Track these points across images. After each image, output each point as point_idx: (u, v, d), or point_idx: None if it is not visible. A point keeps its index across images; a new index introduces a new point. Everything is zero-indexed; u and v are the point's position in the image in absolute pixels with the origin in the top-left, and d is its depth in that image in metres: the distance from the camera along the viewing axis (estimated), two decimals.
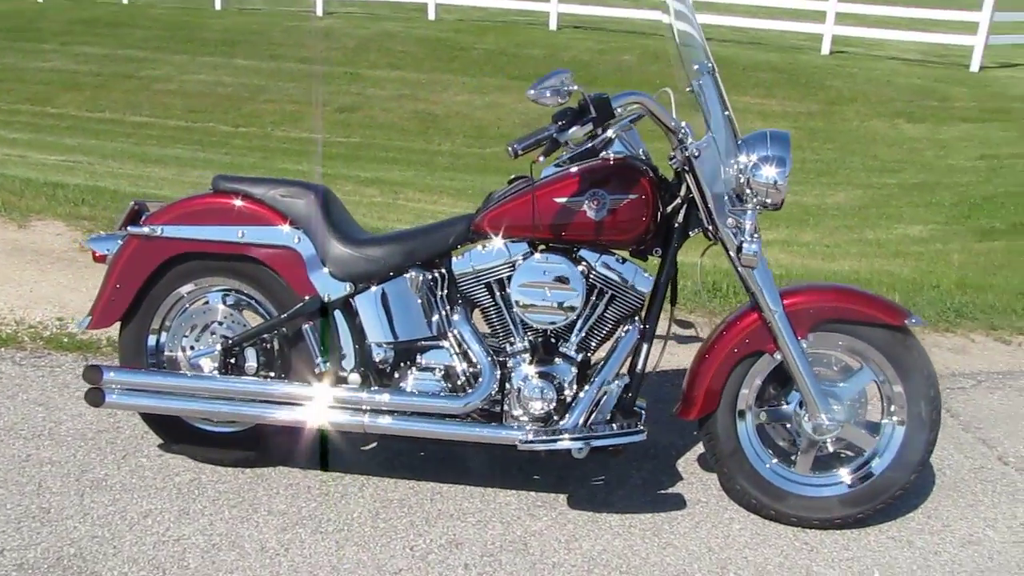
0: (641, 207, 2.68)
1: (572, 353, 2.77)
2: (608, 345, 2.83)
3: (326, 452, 3.06)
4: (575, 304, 2.68)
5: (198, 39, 14.13)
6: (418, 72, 12.86)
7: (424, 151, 10.27)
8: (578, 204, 2.66)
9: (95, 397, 2.82)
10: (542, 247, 2.76)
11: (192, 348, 2.93)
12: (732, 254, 2.70)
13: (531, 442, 2.63)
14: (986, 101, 12.60)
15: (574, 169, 2.70)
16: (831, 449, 2.89)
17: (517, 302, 2.69)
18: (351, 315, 2.83)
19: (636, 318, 2.78)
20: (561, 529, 2.80)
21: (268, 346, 2.90)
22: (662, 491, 3.05)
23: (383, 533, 2.72)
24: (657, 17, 15.60)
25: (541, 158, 2.75)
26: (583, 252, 2.73)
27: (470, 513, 2.85)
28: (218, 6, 16.19)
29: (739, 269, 2.73)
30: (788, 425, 2.90)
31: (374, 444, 3.21)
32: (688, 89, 2.70)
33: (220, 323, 2.91)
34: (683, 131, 2.69)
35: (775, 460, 2.88)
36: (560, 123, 2.56)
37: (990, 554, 2.80)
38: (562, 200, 2.67)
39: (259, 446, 2.98)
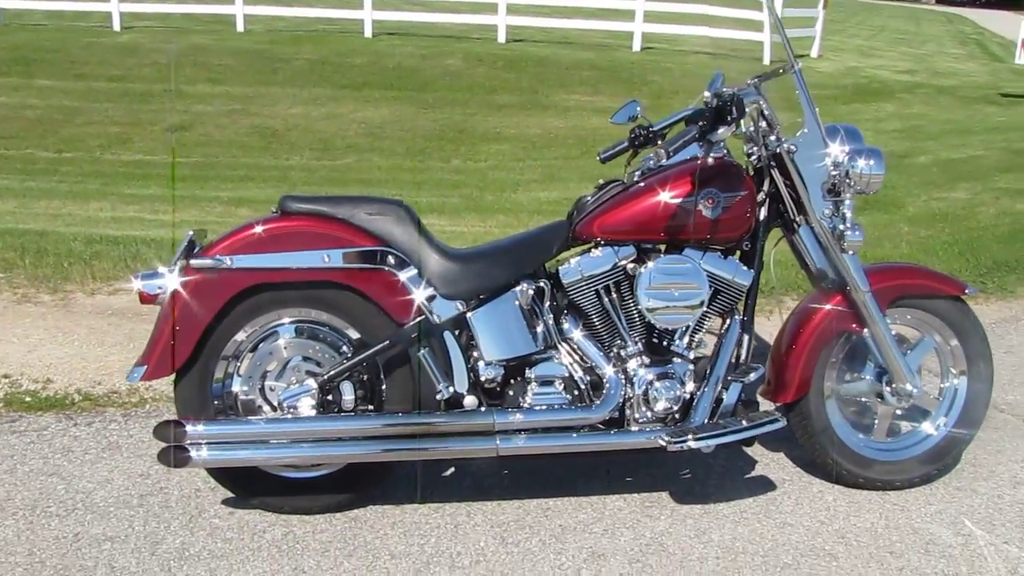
0: (748, 204, 2.74)
1: (685, 351, 2.79)
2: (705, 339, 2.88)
3: (415, 483, 2.91)
4: (703, 302, 2.71)
5: None
6: (243, 86, 12.27)
7: (275, 167, 9.82)
8: (692, 204, 2.69)
9: (179, 457, 2.51)
10: (646, 248, 2.77)
11: (273, 389, 2.69)
12: (829, 242, 2.80)
13: (675, 442, 2.62)
14: (788, 92, 13.64)
15: (682, 170, 2.72)
16: (899, 415, 3.10)
17: (646, 306, 2.67)
18: (461, 335, 2.70)
19: (736, 311, 2.85)
20: (684, 525, 2.81)
21: (365, 377, 2.70)
22: (747, 476, 3.14)
23: (522, 557, 2.62)
24: (475, 20, 15.81)
25: (625, 164, 2.83)
26: (689, 251, 2.76)
27: (592, 523, 2.80)
28: None
29: (830, 255, 2.85)
30: (863, 398, 3.07)
31: (452, 469, 3.09)
32: (789, 69, 2.75)
33: (306, 358, 2.68)
34: (778, 128, 2.77)
35: (860, 433, 3.04)
36: (701, 124, 2.58)
37: None
38: (677, 201, 2.68)
39: (350, 487, 2.78)
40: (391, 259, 2.62)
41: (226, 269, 2.55)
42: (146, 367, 2.59)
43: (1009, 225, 6.80)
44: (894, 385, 2.94)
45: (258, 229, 2.61)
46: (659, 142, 3.15)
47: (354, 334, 2.71)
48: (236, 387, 2.69)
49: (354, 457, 2.59)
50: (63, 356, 3.92)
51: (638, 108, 3.08)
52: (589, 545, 2.69)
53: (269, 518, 2.77)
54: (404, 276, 2.62)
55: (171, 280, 2.57)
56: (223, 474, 2.73)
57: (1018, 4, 54.62)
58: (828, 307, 2.90)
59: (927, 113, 12.55)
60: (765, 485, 3.07)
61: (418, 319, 2.64)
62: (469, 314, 2.68)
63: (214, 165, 9.77)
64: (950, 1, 58.70)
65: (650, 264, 2.68)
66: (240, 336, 2.67)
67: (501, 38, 15.47)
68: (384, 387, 2.71)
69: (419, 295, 2.62)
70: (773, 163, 2.81)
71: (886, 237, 6.73)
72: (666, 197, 2.68)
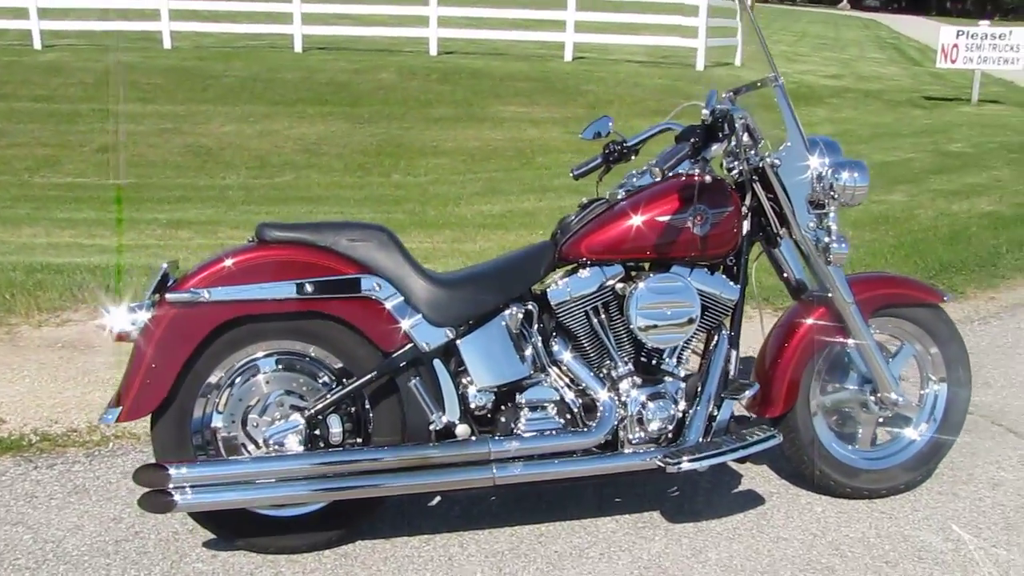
0: (736, 219, 2.74)
1: (675, 370, 2.77)
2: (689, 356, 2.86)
3: (402, 514, 2.83)
4: (694, 319, 2.69)
5: None
6: (173, 104, 11.96)
7: (211, 187, 9.57)
8: (682, 221, 2.67)
9: (163, 503, 2.39)
10: (633, 267, 2.74)
11: (256, 425, 2.58)
12: (813, 254, 2.81)
13: (679, 463, 2.59)
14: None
15: (668, 187, 2.70)
16: (881, 423, 3.12)
17: (639, 325, 2.64)
18: (450, 362, 2.63)
19: (723, 327, 2.83)
20: (680, 545, 2.78)
21: (352, 409, 2.61)
22: (735, 491, 3.13)
23: None
24: (406, 34, 15.72)
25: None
26: (676, 268, 2.73)
27: (587, 548, 2.75)
28: None
29: (814, 267, 2.86)
30: (846, 408, 3.08)
31: (438, 498, 3.01)
32: (772, 83, 2.74)
33: (288, 392, 2.59)
34: (762, 143, 2.77)
35: (846, 443, 3.05)
36: (693, 141, 2.57)
37: (1016, 490, 3.16)
38: (666, 219, 2.66)
39: (339, 523, 2.68)
40: (376, 286, 2.54)
41: (204, 302, 2.44)
42: (121, 408, 2.46)
43: (949, 226, 6.99)
44: (879, 394, 2.96)
45: (235, 259, 2.50)
46: (632, 157, 3.15)
47: (337, 365, 2.62)
48: (217, 425, 2.58)
49: (348, 493, 2.49)
50: (14, 394, 3.73)
51: (609, 124, 3.07)
52: (588, 571, 2.64)
53: (255, 559, 2.65)
54: (390, 304, 2.55)
55: (146, 315, 2.46)
56: (204, 515, 2.61)
57: (927, 9, 56.72)
58: (812, 319, 2.91)
59: (856, 117, 12.88)
60: (754, 500, 3.06)
61: (406, 347, 2.56)
62: (458, 341, 2.61)
63: (148, 186, 9.48)
64: (863, 6, 60.60)
65: (641, 283, 2.65)
66: (219, 372, 2.56)
67: (433, 51, 15.40)
68: (371, 418, 2.62)
69: (406, 323, 2.55)
70: (755, 177, 2.81)
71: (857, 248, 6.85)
72: (655, 215, 2.66)
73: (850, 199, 2.77)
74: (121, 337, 2.49)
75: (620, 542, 2.79)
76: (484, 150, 11.47)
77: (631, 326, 2.65)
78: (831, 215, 2.76)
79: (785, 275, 3.00)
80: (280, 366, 2.59)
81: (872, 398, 2.99)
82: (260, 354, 2.58)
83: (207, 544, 2.71)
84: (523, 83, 13.92)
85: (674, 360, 2.77)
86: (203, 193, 9.37)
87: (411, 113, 12.42)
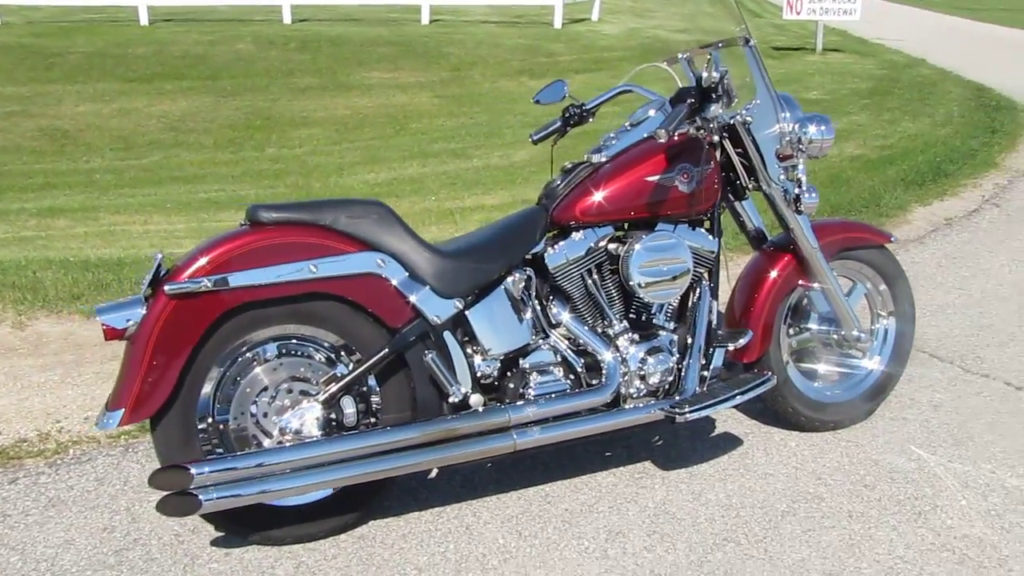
0: (716, 176, 2.84)
1: (665, 323, 2.87)
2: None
3: (402, 492, 2.84)
4: (688, 273, 2.78)
5: None
6: (16, 85, 11.11)
7: (75, 171, 9.01)
8: (670, 180, 2.75)
9: (188, 504, 2.30)
10: (620, 227, 2.82)
11: (266, 415, 2.52)
12: (782, 205, 2.96)
13: (686, 413, 2.70)
14: (583, 53, 14.15)
15: (653, 147, 2.77)
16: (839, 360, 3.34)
17: (639, 283, 2.71)
18: (458, 333, 2.63)
19: (703, 279, 2.95)
20: (679, 491, 2.91)
21: (364, 389, 2.59)
22: (713, 435, 3.28)
23: (545, 547, 2.61)
24: (258, 2, 15.13)
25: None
26: (662, 226, 2.82)
27: (595, 503, 2.83)
28: None
29: (783, 217, 3.01)
30: (811, 347, 3.28)
31: (435, 470, 3.02)
32: (741, 43, 2.83)
33: (296, 378, 2.53)
34: (735, 100, 2.87)
35: (812, 380, 3.25)
36: (690, 101, 2.63)
37: (954, 409, 3.47)
38: (655, 178, 2.74)
39: (353, 505, 2.65)
40: (380, 262, 2.51)
41: (205, 292, 2.34)
42: (123, 410, 2.33)
43: (826, 172, 7.42)
44: (843, 332, 3.17)
45: (234, 244, 2.40)
46: (590, 120, 3.21)
47: (342, 346, 2.58)
48: (224, 419, 2.50)
49: (375, 474, 2.46)
50: None
51: (565, 88, 3.12)
52: (603, 525, 2.73)
53: (271, 552, 2.60)
54: (397, 279, 2.52)
55: (141, 310, 2.35)
56: (218, 513, 2.53)
57: None
58: (779, 266, 3.07)
59: None
60: (733, 441, 3.23)
61: (415, 322, 2.54)
62: (466, 311, 2.62)
63: (6, 174, 8.85)
64: None
65: (638, 243, 2.71)
66: (222, 363, 2.47)
67: (287, 19, 14.93)
68: (392, 395, 2.60)
69: (414, 297, 2.53)
70: (725, 134, 2.92)
71: None
72: (644, 175, 2.73)
73: (817, 151, 2.93)
74: (113, 335, 2.36)
75: (624, 494, 2.89)
76: (355, 118, 11.27)
77: (631, 283, 2.71)
78: (800, 167, 2.91)
79: (747, 227, 3.15)
80: (286, 352, 2.53)
81: (835, 336, 3.20)
82: (263, 341, 2.51)
83: (215, 543, 2.64)
84: (384, 48, 13.70)
85: (663, 314, 2.87)
86: (68, 178, 8.83)
87: (275, 84, 12.04)
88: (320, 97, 11.77)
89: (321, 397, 2.49)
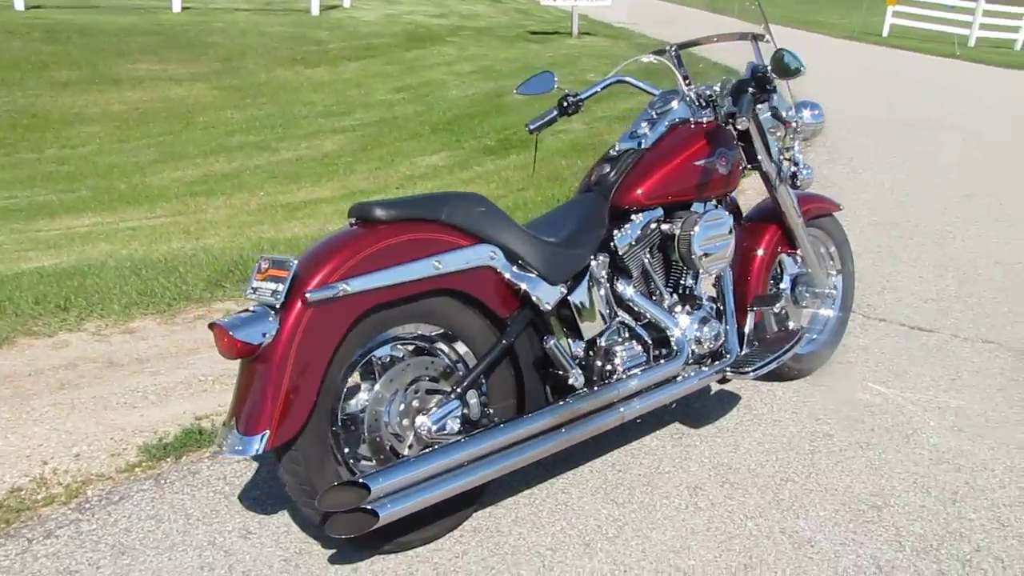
0: (739, 159, 3.15)
1: (703, 294, 3.15)
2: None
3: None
4: (731, 247, 3.07)
5: None
6: None
7: None
8: (712, 164, 3.03)
9: (364, 520, 2.23)
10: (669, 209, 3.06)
11: (403, 419, 2.49)
12: (777, 182, 3.32)
13: (749, 372, 3.01)
14: (350, 40, 14.05)
15: (695, 133, 3.03)
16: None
17: (701, 257, 2.96)
18: (563, 316, 2.75)
19: None
20: (718, 445, 3.22)
21: (483, 380, 2.64)
22: (712, 395, 3.63)
23: (643, 510, 2.80)
24: None
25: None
26: (696, 206, 3.10)
27: (660, 464, 3.07)
28: None
29: (777, 193, 3.38)
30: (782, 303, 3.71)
31: None
32: (765, 40, 3.15)
33: (423, 378, 2.53)
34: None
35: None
36: (752, 91, 2.89)
37: (879, 350, 4.07)
38: (701, 162, 3.00)
39: (469, 500, 2.65)
40: (492, 254, 2.56)
41: (343, 297, 2.28)
42: (266, 432, 2.22)
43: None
44: (816, 290, 3.62)
45: (357, 245, 2.34)
46: (581, 108, 3.41)
47: (451, 339, 2.62)
48: (357, 428, 2.47)
49: (520, 461, 2.53)
50: None
51: (555, 80, 3.31)
52: (679, 483, 2.98)
53: (402, 560, 2.58)
54: (507, 269, 2.59)
55: (273, 321, 2.24)
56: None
57: None
58: (765, 239, 3.45)
59: (486, 53, 13.79)
60: (732, 398, 3.60)
61: (525, 310, 2.64)
62: (569, 296, 2.74)
63: None
64: None
65: (697, 221, 2.97)
66: (351, 370, 2.44)
67: (19, 5, 13.51)
68: (505, 383, 2.68)
69: (525, 285, 2.61)
70: (731, 120, 3.23)
71: (559, 176, 7.57)
72: (693, 160, 2.99)
73: (811, 134, 3.33)
74: (246, 351, 2.23)
75: (676, 454, 3.16)
76: (134, 114, 10.55)
77: (694, 258, 2.96)
78: (795, 148, 3.29)
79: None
80: (409, 352, 2.54)
81: (807, 294, 3.64)
82: (386, 343, 2.50)
83: (334, 560, 2.56)
84: (143, 38, 12.84)
85: (702, 286, 3.16)
86: None
87: (29, 78, 10.95)
88: (87, 92, 10.86)
89: (456, 392, 2.52)
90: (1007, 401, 3.63)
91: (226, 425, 2.31)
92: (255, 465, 3.04)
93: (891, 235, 6.00)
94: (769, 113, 3.28)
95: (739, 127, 2.86)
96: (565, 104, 3.32)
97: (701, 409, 3.50)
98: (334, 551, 2.59)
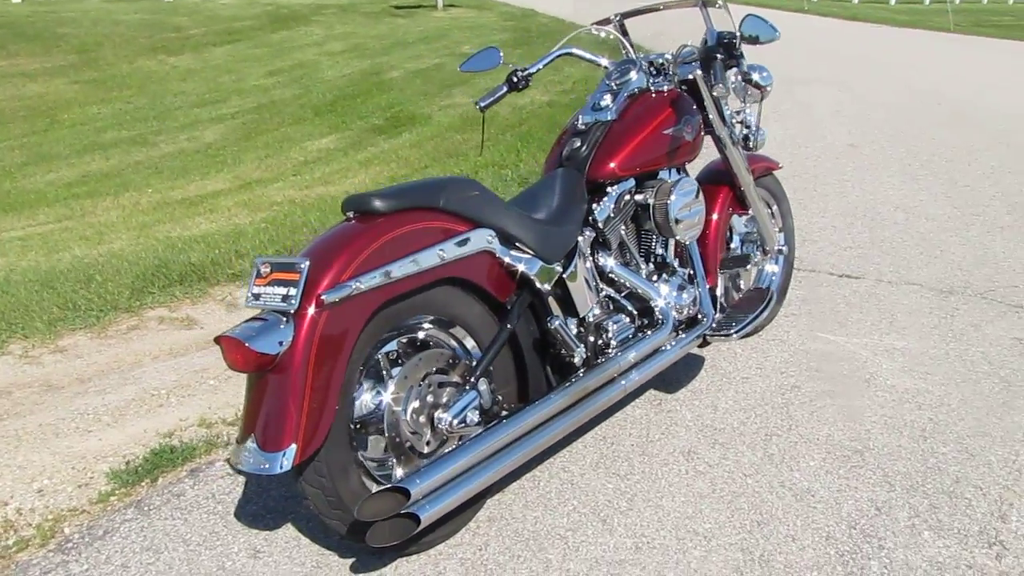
0: (701, 125, 3.19)
1: (675, 261, 3.19)
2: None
3: None
4: (704, 213, 3.12)
5: None
6: None
7: None
8: (680, 131, 3.06)
9: (406, 526, 2.16)
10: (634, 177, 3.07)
11: (420, 416, 2.41)
12: (730, 144, 3.38)
13: (732, 334, 3.08)
14: (211, 25, 13.47)
15: (660, 101, 3.04)
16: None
17: (676, 225, 2.99)
18: (556, 295, 2.73)
19: None
20: (697, 407, 3.29)
21: (491, 367, 2.59)
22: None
23: (649, 479, 2.85)
24: None
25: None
26: (663, 174, 3.13)
27: (648, 433, 3.12)
28: None
29: (730, 156, 3.45)
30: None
31: None
32: (719, 6, 3.18)
33: (434, 371, 2.46)
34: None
35: (738, 293, 3.79)
36: (721, 58, 2.92)
37: (817, 300, 4.24)
38: (670, 131, 3.02)
39: (483, 493, 2.60)
40: (489, 238, 2.51)
41: (357, 295, 2.18)
42: (294, 446, 2.11)
43: (548, 117, 8.07)
44: (766, 247, 3.73)
45: (365, 239, 2.24)
46: (528, 83, 3.40)
47: (453, 327, 2.56)
48: (376, 429, 2.39)
49: (541, 445, 2.52)
50: None
51: (500, 56, 3.30)
52: (673, 449, 3.03)
53: (427, 560, 2.53)
54: (505, 252, 2.56)
55: (285, 331, 2.11)
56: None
57: None
58: (719, 202, 3.52)
59: (354, 32, 13.50)
60: (697, 360, 3.68)
61: (524, 292, 2.62)
62: (564, 275, 2.73)
63: None
64: None
65: (672, 190, 3.00)
66: (365, 370, 2.36)
67: None
68: (513, 366, 2.65)
69: (523, 267, 2.59)
70: (685, 87, 3.28)
71: (458, 152, 7.52)
72: (662, 128, 3.02)
73: (758, 97, 3.40)
74: (265, 363, 2.10)
75: (661, 421, 3.21)
76: None
77: (671, 226, 2.99)
78: (747, 110, 3.36)
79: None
80: (417, 346, 2.47)
81: (758, 253, 3.75)
82: (394, 337, 2.43)
83: (355, 568, 2.48)
84: None
85: (672, 254, 3.20)
86: None
87: None
88: None
89: (471, 383, 2.48)
90: (943, 338, 3.85)
91: (240, 443, 2.19)
92: (241, 479, 2.92)
93: (795, 187, 6.24)
94: (739, 78, 3.34)
95: (716, 93, 2.90)
96: (515, 79, 3.29)
97: (672, 374, 3.57)
98: (354, 559, 2.52)
